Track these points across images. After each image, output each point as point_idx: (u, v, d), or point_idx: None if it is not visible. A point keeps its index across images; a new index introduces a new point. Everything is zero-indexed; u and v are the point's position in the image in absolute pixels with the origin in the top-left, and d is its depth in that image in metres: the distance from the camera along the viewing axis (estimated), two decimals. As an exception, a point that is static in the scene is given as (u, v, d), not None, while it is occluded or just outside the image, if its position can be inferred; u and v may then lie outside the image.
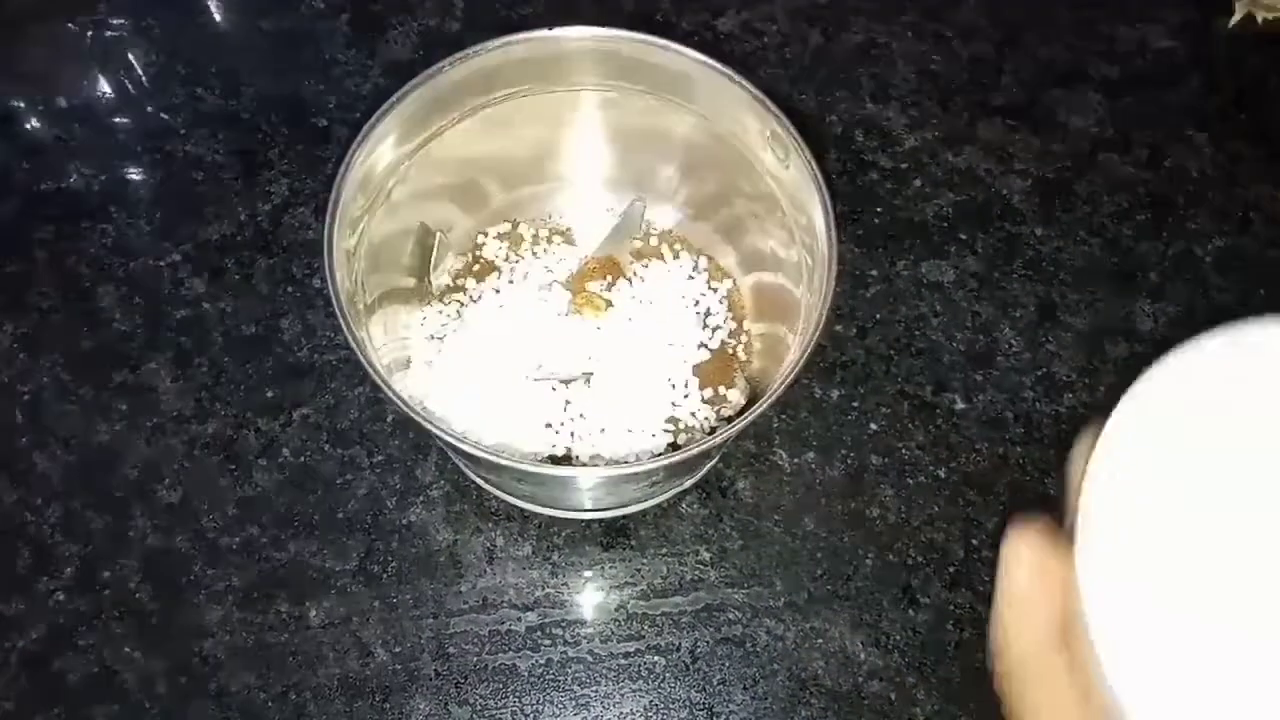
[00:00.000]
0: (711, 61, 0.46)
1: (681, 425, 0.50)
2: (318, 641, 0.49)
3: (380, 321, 0.49)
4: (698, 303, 0.54)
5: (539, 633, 0.49)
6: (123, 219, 0.59)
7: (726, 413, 0.51)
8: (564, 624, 0.50)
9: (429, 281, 0.54)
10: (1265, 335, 0.23)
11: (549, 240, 0.56)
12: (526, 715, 0.48)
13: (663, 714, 0.48)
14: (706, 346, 0.53)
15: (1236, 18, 0.66)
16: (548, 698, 0.48)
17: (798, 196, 0.46)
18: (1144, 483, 0.22)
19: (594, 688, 0.48)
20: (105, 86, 0.63)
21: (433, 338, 0.52)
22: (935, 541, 0.52)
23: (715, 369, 0.52)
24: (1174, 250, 0.60)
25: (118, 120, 0.62)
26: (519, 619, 0.50)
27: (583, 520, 0.51)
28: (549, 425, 0.50)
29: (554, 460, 0.49)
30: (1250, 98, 0.65)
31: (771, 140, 0.47)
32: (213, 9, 0.66)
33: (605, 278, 0.54)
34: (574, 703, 0.48)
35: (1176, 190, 0.62)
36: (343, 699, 0.48)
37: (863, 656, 0.49)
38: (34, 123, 0.62)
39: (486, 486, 0.51)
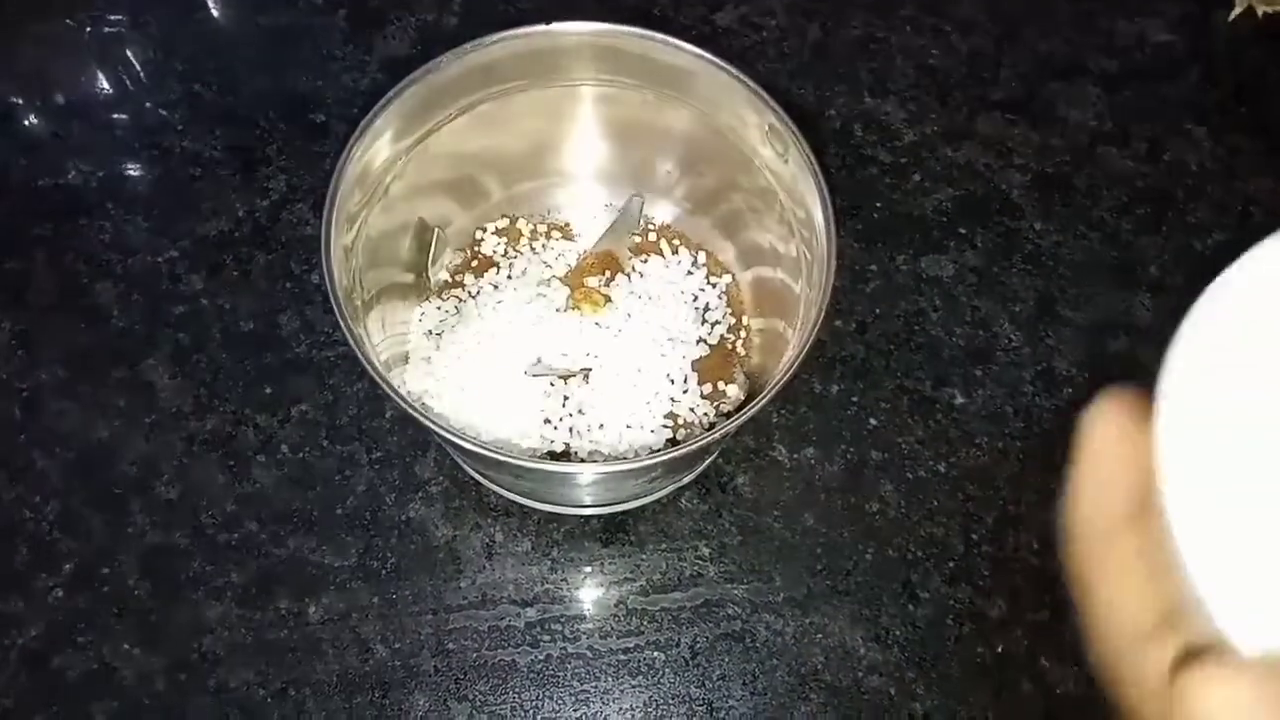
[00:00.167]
0: (710, 56, 0.46)
1: (680, 421, 0.50)
2: (317, 638, 0.49)
3: (378, 317, 0.49)
4: (696, 298, 0.54)
5: (538, 628, 0.49)
6: (120, 215, 0.59)
7: (725, 408, 0.51)
8: (563, 620, 0.50)
9: (427, 277, 0.54)
10: None
11: (547, 236, 0.56)
12: (526, 711, 0.48)
13: (662, 709, 0.48)
14: (705, 342, 0.53)
15: (1236, 11, 0.66)
16: (547, 693, 0.48)
17: (796, 191, 0.46)
18: (1227, 364, 0.21)
19: (593, 683, 0.48)
20: (103, 83, 0.63)
21: (431, 333, 0.52)
22: (935, 536, 0.52)
23: (714, 364, 0.52)
24: (1173, 244, 0.60)
25: (115, 116, 0.62)
26: (518, 615, 0.50)
27: (582, 516, 0.51)
28: (548, 421, 0.50)
29: (553, 456, 0.49)
30: (1249, 91, 0.65)
31: (770, 135, 0.47)
32: (210, 5, 0.66)
33: (604, 273, 0.53)
34: (573, 698, 0.48)
35: (1176, 184, 0.61)
36: (342, 695, 0.48)
37: (862, 651, 0.49)
38: (32, 119, 0.62)
39: (485, 482, 0.51)
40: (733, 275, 0.55)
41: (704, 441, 0.40)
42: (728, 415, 0.51)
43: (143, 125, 0.62)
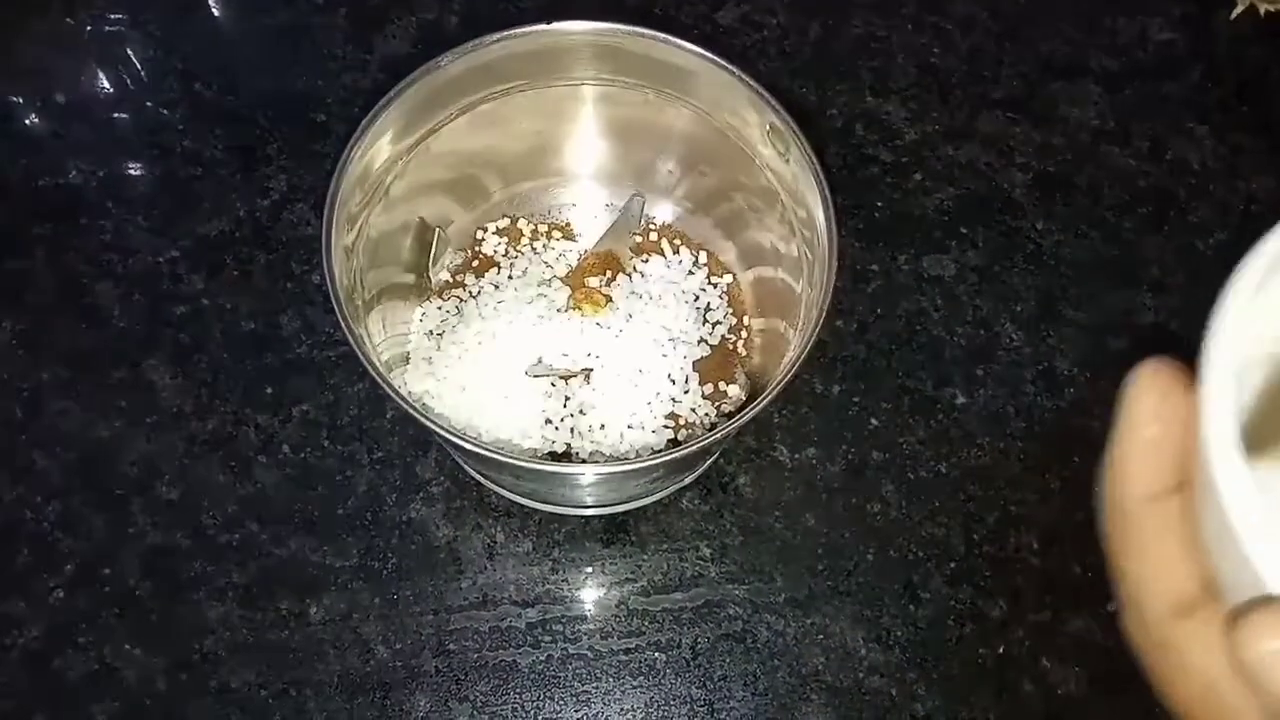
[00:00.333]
0: (711, 55, 0.46)
1: (682, 421, 0.50)
2: (318, 638, 0.49)
3: (379, 318, 0.49)
4: (697, 298, 0.54)
5: (539, 629, 0.49)
6: (121, 215, 0.58)
7: (727, 408, 0.51)
8: (564, 620, 0.50)
9: (428, 277, 0.54)
10: None
11: (548, 236, 0.56)
12: (527, 712, 0.48)
13: (663, 710, 0.48)
14: (706, 342, 0.53)
15: (1238, 10, 0.66)
16: (548, 694, 0.48)
17: (797, 191, 0.46)
18: (1272, 328, 0.21)
19: (594, 684, 0.48)
20: (103, 82, 0.63)
21: (432, 334, 0.52)
22: (936, 537, 0.52)
23: (715, 364, 0.52)
24: (1175, 243, 0.60)
25: (116, 116, 0.62)
26: (519, 615, 0.50)
27: (583, 516, 0.51)
28: (549, 421, 0.49)
29: (554, 457, 0.49)
30: (1251, 90, 0.65)
31: (771, 134, 0.46)
32: (211, 4, 0.66)
33: (605, 273, 0.53)
34: (574, 699, 0.48)
35: (1177, 183, 0.61)
36: (343, 696, 0.48)
37: (863, 652, 0.49)
38: (32, 119, 0.62)
39: (486, 483, 0.51)
40: (734, 275, 0.55)
41: (705, 442, 0.40)
42: (729, 416, 0.51)
43: (143, 125, 0.62)
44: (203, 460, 0.52)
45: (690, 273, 0.55)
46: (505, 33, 0.46)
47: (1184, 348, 0.22)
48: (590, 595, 0.50)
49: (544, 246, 0.56)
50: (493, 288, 0.53)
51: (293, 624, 0.49)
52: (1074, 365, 0.56)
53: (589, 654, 0.49)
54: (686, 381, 0.51)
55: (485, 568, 0.50)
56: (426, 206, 0.52)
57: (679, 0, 0.66)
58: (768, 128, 0.46)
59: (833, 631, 0.50)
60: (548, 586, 0.50)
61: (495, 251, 0.55)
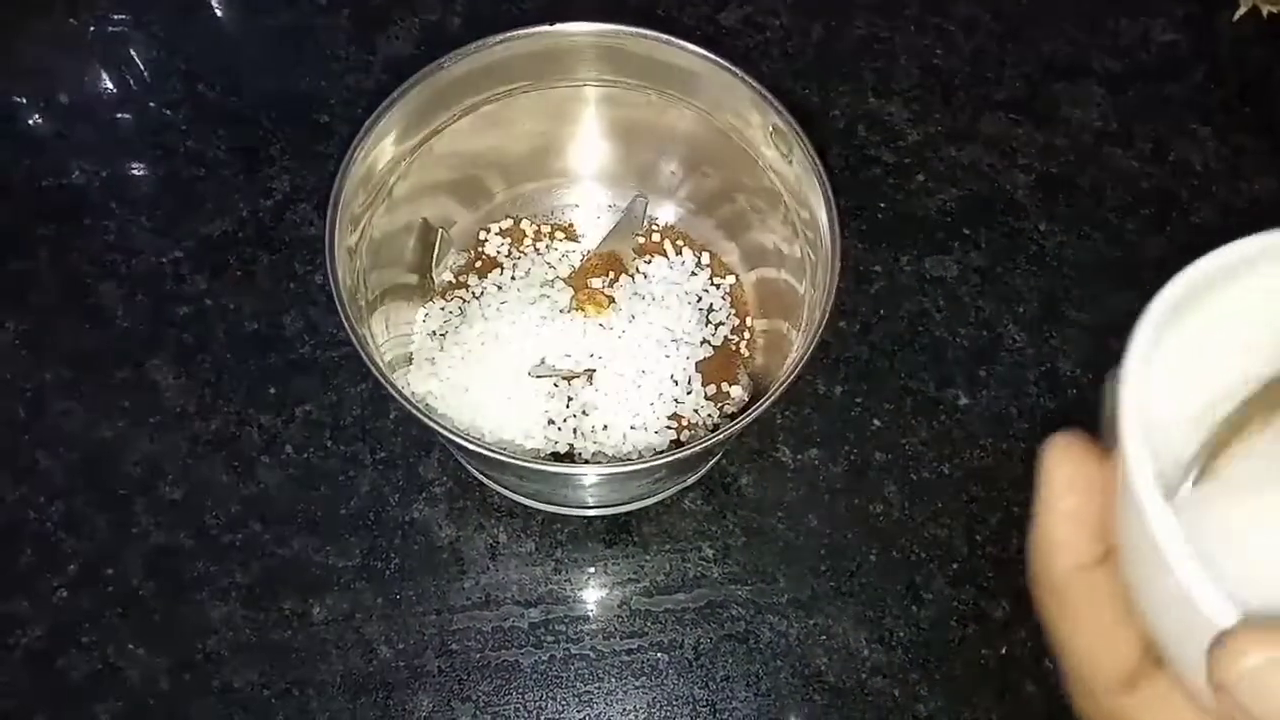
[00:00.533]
0: (713, 56, 0.46)
1: (684, 422, 0.50)
2: (321, 638, 0.49)
3: (382, 318, 0.49)
4: (700, 299, 0.54)
5: (542, 629, 0.49)
6: (124, 216, 0.59)
7: (729, 409, 0.51)
8: (567, 621, 0.50)
9: (431, 278, 0.54)
10: None
11: (551, 236, 0.56)
12: (529, 712, 0.48)
13: (666, 711, 0.48)
14: (709, 343, 0.53)
15: (1240, 11, 0.66)
16: (550, 694, 0.48)
17: (800, 192, 0.46)
18: (1185, 374, 0.22)
19: (597, 684, 0.48)
20: (106, 83, 0.63)
21: (435, 334, 0.52)
22: (939, 538, 0.52)
23: (718, 365, 0.52)
24: (1178, 244, 0.59)
25: (119, 116, 0.62)
26: (522, 615, 0.50)
27: (585, 517, 0.51)
28: (551, 422, 0.50)
29: (557, 457, 0.49)
30: (1254, 91, 0.65)
31: (774, 135, 0.47)
32: (214, 5, 0.66)
33: (607, 274, 0.53)
34: (577, 699, 0.48)
35: (1180, 184, 0.61)
36: (346, 696, 0.48)
37: (866, 653, 0.49)
38: (35, 119, 0.62)
39: (489, 483, 0.51)
40: (736, 276, 0.55)
41: (708, 443, 0.40)
42: (731, 416, 0.51)
43: (146, 125, 0.62)
44: (206, 460, 0.52)
45: (693, 274, 0.55)
46: (508, 34, 0.46)
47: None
48: (593, 595, 0.50)
49: (547, 247, 0.56)
50: (496, 288, 0.53)
51: (296, 624, 0.49)
52: (1077, 366, 0.56)
53: (591, 654, 0.49)
54: (689, 382, 0.51)
55: (488, 568, 0.50)
56: (429, 207, 0.52)
57: (681, 1, 0.66)
58: (770, 129, 0.46)
59: (835, 632, 0.50)
60: (550, 587, 0.50)
61: (498, 252, 0.55)
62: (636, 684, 0.48)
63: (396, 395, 0.39)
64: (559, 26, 0.46)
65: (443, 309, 0.53)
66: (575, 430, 0.50)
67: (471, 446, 0.39)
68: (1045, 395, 0.55)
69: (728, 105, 0.48)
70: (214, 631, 0.49)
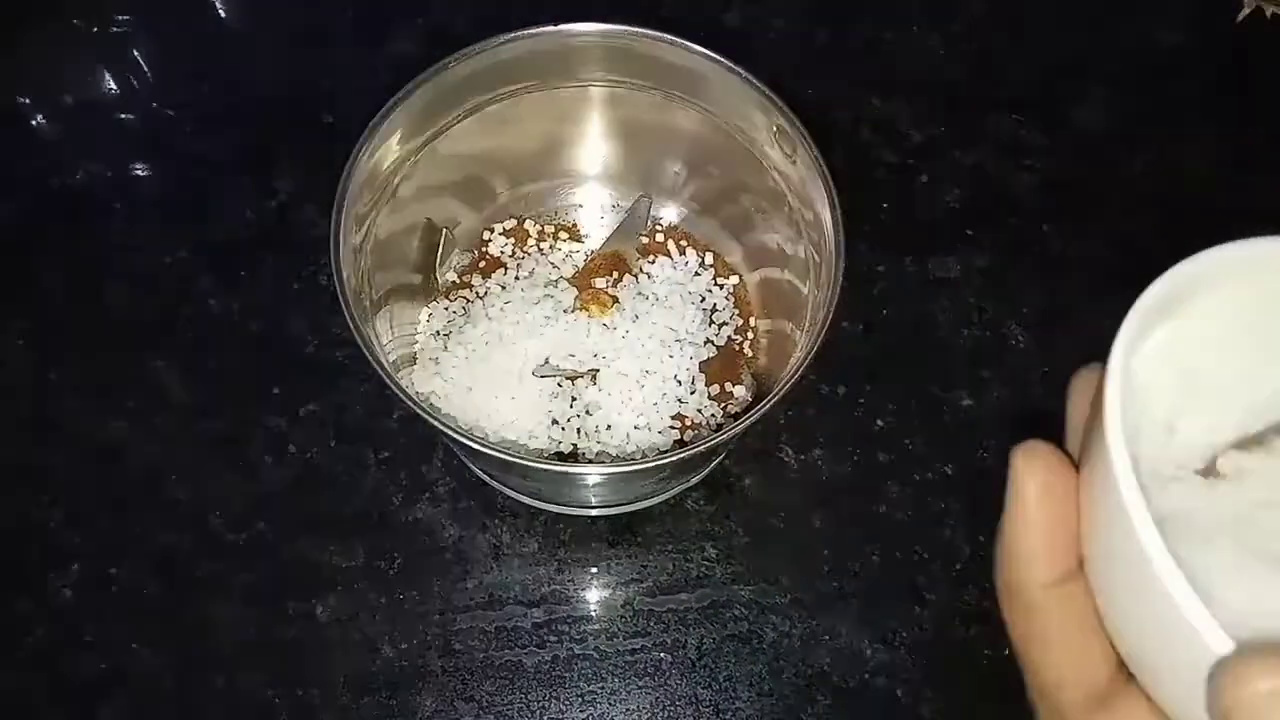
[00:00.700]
0: (718, 57, 0.46)
1: (688, 422, 0.50)
2: (324, 638, 0.49)
3: (386, 318, 0.49)
4: (704, 299, 0.54)
5: (545, 629, 0.49)
6: (129, 216, 0.59)
7: (733, 409, 0.51)
8: (570, 620, 0.50)
9: (435, 278, 0.54)
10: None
11: (555, 237, 0.56)
12: (533, 711, 0.48)
13: (669, 711, 0.48)
14: (713, 343, 0.53)
15: (1244, 12, 0.66)
16: (554, 694, 0.48)
17: (804, 192, 0.46)
18: (1169, 375, 0.22)
19: (600, 684, 0.48)
20: (111, 84, 0.63)
21: (439, 334, 0.52)
22: (942, 538, 0.52)
23: (721, 366, 0.52)
24: (1181, 246, 0.59)
25: (124, 117, 0.62)
26: (525, 615, 0.50)
27: (589, 517, 0.51)
28: (555, 422, 0.50)
29: (560, 457, 0.49)
30: (1258, 92, 0.65)
31: (778, 136, 0.47)
32: (218, 6, 0.66)
33: (611, 274, 0.53)
34: (580, 699, 0.48)
35: (1184, 186, 0.61)
36: (349, 695, 0.48)
37: (869, 653, 0.49)
38: (40, 120, 0.62)
39: (492, 483, 0.51)
40: (740, 276, 0.55)
41: (711, 443, 0.40)
42: (735, 416, 0.51)
43: (151, 126, 0.62)
44: (210, 460, 0.52)
45: (696, 274, 0.55)
46: (513, 34, 0.46)
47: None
48: (596, 595, 0.50)
49: (551, 247, 0.56)
50: (499, 288, 0.53)
51: (299, 623, 0.49)
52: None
53: (595, 654, 0.49)
54: (693, 382, 0.51)
55: (491, 568, 0.50)
56: (434, 207, 0.52)
57: (686, 2, 0.66)
58: (775, 130, 0.47)
59: (839, 632, 0.50)
60: (553, 587, 0.50)
61: (502, 252, 0.55)
62: (639, 684, 0.48)
63: (401, 395, 0.39)
64: (563, 27, 0.46)
65: (447, 309, 0.53)
66: (579, 430, 0.50)
67: (475, 446, 0.40)
68: (1049, 397, 0.55)
69: (732, 106, 0.48)
70: (218, 631, 0.49)
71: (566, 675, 0.48)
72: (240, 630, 0.49)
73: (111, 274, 0.57)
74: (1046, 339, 0.57)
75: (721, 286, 0.55)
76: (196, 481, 0.52)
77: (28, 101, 0.62)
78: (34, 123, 0.62)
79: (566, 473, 0.46)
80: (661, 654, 0.49)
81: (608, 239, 0.55)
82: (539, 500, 0.51)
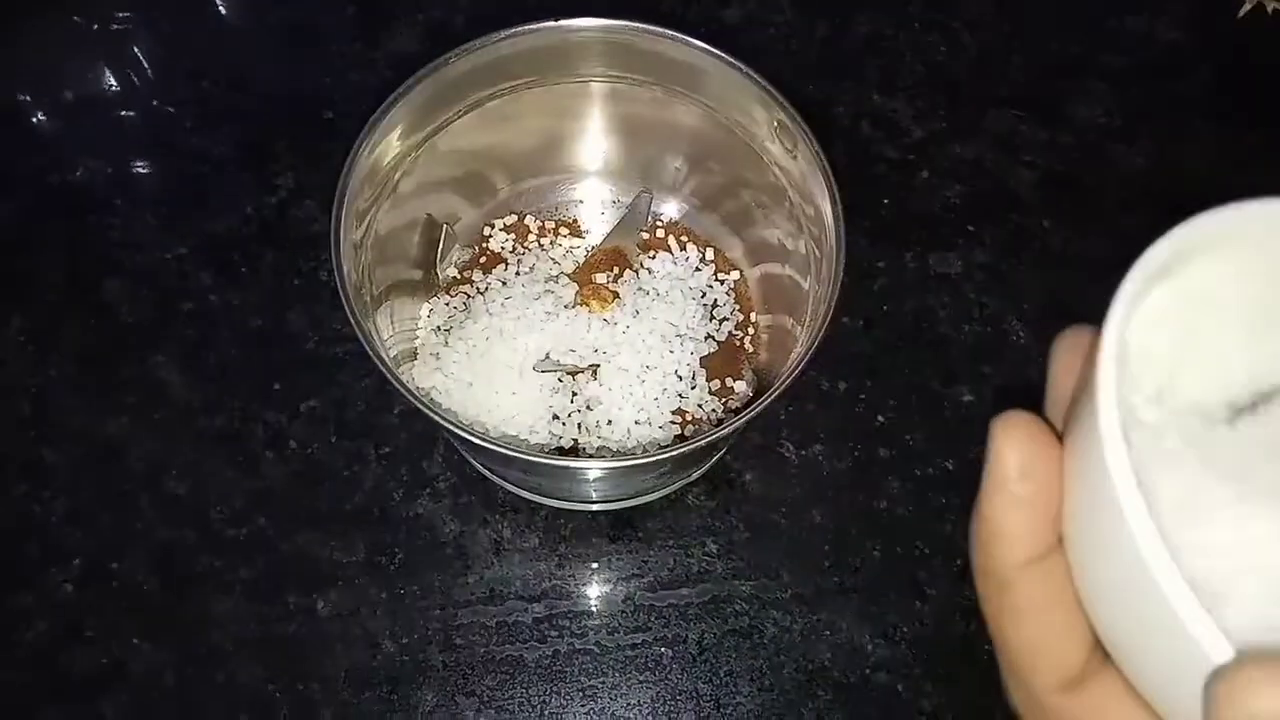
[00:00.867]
0: (718, 52, 0.46)
1: (688, 417, 0.50)
2: (325, 633, 0.49)
3: (387, 314, 0.49)
4: (704, 294, 0.54)
5: (546, 624, 0.49)
6: (129, 212, 0.59)
7: (733, 405, 0.51)
8: (571, 615, 0.50)
9: (436, 274, 0.54)
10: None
11: (555, 232, 0.56)
12: (533, 706, 0.48)
13: (669, 705, 0.48)
14: (713, 338, 0.53)
15: (1245, 8, 0.66)
16: (555, 689, 0.48)
17: (805, 187, 0.46)
18: (1166, 348, 0.21)
19: (601, 679, 0.48)
20: (111, 80, 0.63)
21: (439, 330, 0.52)
22: (943, 533, 0.52)
23: (722, 361, 0.52)
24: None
25: (124, 113, 0.62)
26: (526, 610, 0.50)
27: (589, 512, 0.51)
28: (556, 417, 0.50)
29: (561, 452, 0.49)
30: (1258, 88, 0.65)
31: (779, 131, 0.47)
32: (218, 3, 0.66)
33: (612, 270, 0.53)
34: (581, 694, 0.48)
35: (1184, 181, 0.61)
36: (350, 690, 0.48)
37: (870, 648, 0.49)
38: (40, 116, 0.62)
39: (493, 478, 0.51)
40: (741, 272, 0.55)
41: (712, 438, 0.41)
42: (736, 412, 0.51)
43: (151, 122, 0.62)
44: (211, 456, 0.52)
45: (697, 269, 0.55)
46: (513, 30, 0.46)
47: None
48: (596, 590, 0.50)
49: (551, 243, 0.56)
50: (500, 284, 0.53)
51: (300, 619, 0.49)
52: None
53: (595, 649, 0.49)
54: (693, 378, 0.51)
55: (492, 563, 0.51)
56: (434, 203, 0.52)
57: (686, -2, 0.67)
58: (775, 125, 0.47)
59: (839, 627, 0.50)
60: (554, 582, 0.50)
61: (503, 248, 0.55)
62: (640, 679, 0.49)
63: (402, 390, 0.39)
64: (564, 22, 0.46)
65: (447, 304, 0.53)
66: (579, 425, 0.50)
67: (476, 441, 0.40)
68: (1049, 392, 0.55)
69: (733, 101, 0.48)
70: (218, 626, 0.49)
71: (567, 670, 0.49)
72: (241, 625, 0.49)
73: (111, 270, 0.57)
74: (1047, 334, 0.56)
75: (722, 282, 0.55)
76: (197, 477, 0.52)
77: (28, 98, 0.62)
78: (34, 119, 0.62)
79: (567, 468, 0.46)
80: (662, 649, 0.49)
81: (608, 234, 0.55)
82: (540, 495, 0.51)
